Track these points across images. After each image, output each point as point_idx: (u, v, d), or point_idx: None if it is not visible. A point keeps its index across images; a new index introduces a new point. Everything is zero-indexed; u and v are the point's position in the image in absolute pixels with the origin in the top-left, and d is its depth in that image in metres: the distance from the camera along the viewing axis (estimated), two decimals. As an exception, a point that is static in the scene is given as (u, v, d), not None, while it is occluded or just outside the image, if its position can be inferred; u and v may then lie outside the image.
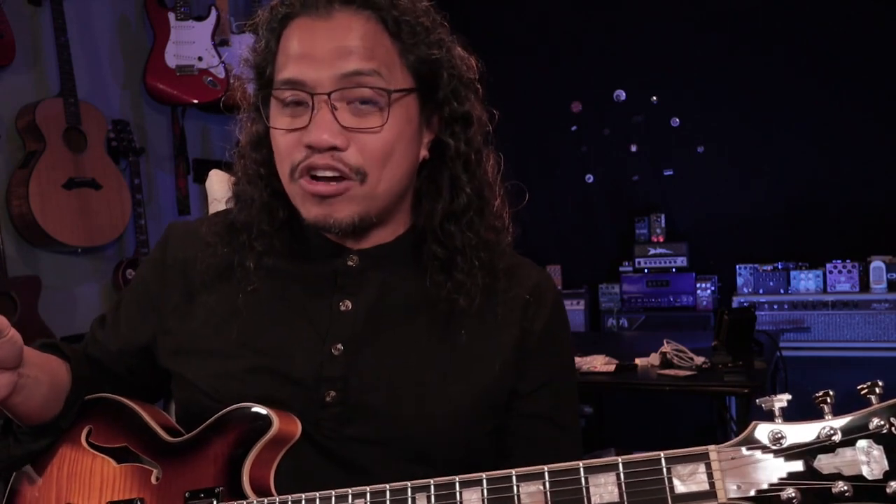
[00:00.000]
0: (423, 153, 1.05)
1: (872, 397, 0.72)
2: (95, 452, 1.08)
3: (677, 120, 4.41)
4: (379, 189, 1.00)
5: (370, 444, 1.01)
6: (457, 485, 0.82)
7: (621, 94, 4.53)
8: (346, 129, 0.96)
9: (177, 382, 1.11)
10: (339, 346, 1.02)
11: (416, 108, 1.02)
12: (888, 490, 0.69)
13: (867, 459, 0.71)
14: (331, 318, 1.04)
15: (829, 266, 3.88)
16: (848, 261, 3.86)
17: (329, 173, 0.97)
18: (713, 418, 3.54)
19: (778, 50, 4.19)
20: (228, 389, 1.02)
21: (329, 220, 0.99)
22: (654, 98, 4.45)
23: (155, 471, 1.04)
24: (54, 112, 3.00)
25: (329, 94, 0.95)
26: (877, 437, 0.71)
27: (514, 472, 0.80)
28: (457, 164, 1.05)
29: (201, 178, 3.96)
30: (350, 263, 1.06)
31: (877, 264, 3.79)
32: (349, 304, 1.04)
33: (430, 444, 1.01)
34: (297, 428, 1.00)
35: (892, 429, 0.70)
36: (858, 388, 0.72)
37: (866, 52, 4.02)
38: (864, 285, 3.82)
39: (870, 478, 0.70)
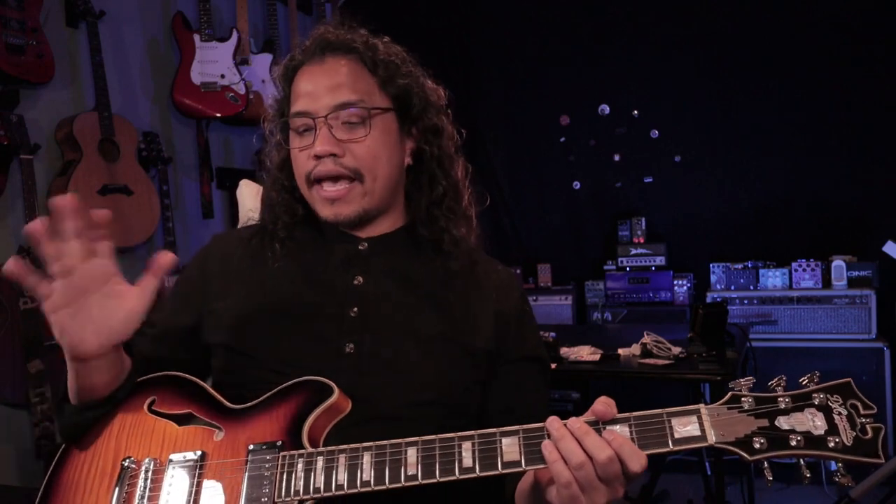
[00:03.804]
0: (408, 160, 1.27)
1: (811, 385, 0.95)
2: (157, 417, 1.09)
3: (656, 132, 4.49)
4: (376, 186, 1.21)
5: (381, 388, 1.15)
6: (455, 439, 0.97)
7: (605, 109, 4.58)
8: (340, 141, 1.18)
9: (216, 353, 1.22)
10: (356, 309, 1.20)
11: (395, 124, 1.24)
12: (829, 444, 0.90)
13: (812, 421, 0.91)
14: (347, 289, 1.22)
15: (794, 265, 3.94)
16: (811, 260, 3.92)
17: (333, 174, 1.18)
18: (690, 403, 3.67)
19: (745, 74, 4.24)
20: (265, 349, 1.16)
21: (339, 217, 1.21)
22: (636, 112, 4.52)
23: (217, 431, 1.06)
24: (90, 125, 3.08)
25: (326, 117, 1.18)
26: (818, 406, 0.92)
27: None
28: (432, 164, 1.28)
29: (223, 185, 4.03)
30: (361, 248, 1.26)
31: (837, 263, 3.85)
32: (361, 279, 1.23)
33: (431, 387, 1.16)
34: (348, 405, 1.09)
35: (828, 402, 0.92)
36: (800, 381, 0.94)
37: (823, 63, 4.04)
38: (826, 282, 3.87)
39: (815, 433, 0.91)
